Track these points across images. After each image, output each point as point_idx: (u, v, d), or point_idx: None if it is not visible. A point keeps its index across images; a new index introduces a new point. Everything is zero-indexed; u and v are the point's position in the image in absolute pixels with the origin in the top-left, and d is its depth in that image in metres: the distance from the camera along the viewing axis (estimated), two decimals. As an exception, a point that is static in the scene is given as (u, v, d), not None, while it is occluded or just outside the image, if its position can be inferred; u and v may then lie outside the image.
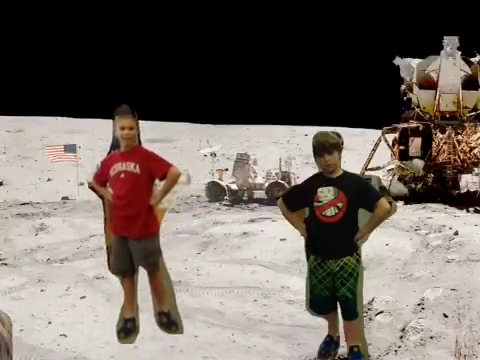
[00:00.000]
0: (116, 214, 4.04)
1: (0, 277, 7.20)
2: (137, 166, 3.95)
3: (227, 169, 21.51)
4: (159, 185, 4.05)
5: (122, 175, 3.97)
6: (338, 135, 4.06)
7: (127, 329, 4.08)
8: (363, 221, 4.05)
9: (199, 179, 21.95)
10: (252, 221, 11.78)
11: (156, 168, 3.96)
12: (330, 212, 3.97)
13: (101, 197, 4.32)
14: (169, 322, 4.12)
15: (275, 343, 4.69)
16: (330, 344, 4.25)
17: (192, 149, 35.83)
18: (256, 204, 17.72)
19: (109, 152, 4.42)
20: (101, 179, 4.14)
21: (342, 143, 4.07)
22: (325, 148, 3.97)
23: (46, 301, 6.00)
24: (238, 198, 19.01)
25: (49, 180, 27.23)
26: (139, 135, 4.13)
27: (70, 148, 22.69)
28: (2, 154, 35.84)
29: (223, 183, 19.19)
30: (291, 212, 4.21)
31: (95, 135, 36.91)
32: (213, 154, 22.83)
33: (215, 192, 18.84)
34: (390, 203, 4.07)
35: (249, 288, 6.37)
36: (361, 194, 3.99)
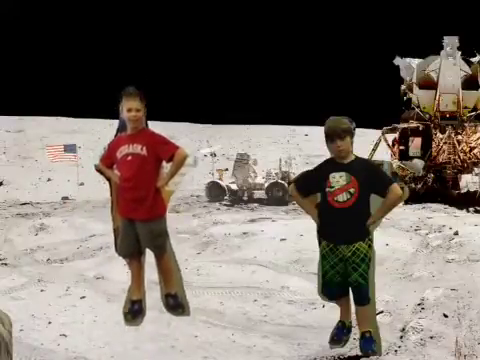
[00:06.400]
0: (123, 196, 4.01)
1: (0, 277, 7.20)
2: (144, 148, 3.92)
3: (227, 169, 21.41)
4: (166, 167, 4.01)
5: (129, 157, 3.94)
6: (350, 120, 4.06)
7: (135, 310, 4.05)
8: (375, 206, 4.04)
9: (199, 179, 21.90)
10: (252, 221, 11.78)
11: (163, 150, 3.93)
12: (342, 197, 3.97)
13: (108, 179, 4.29)
14: (176, 304, 4.08)
15: (275, 343, 4.69)
16: (342, 330, 4.24)
17: (192, 149, 35.77)
18: (256, 204, 17.65)
19: (116, 134, 4.39)
20: (108, 161, 4.11)
21: (354, 128, 4.07)
22: (337, 134, 3.97)
23: (46, 301, 6.00)
24: (238, 198, 18.94)
25: (49, 180, 27.16)
26: (146, 117, 4.09)
27: (70, 148, 22.62)
28: (2, 154, 35.75)
29: (223, 183, 19.12)
30: (303, 197, 4.21)
31: (95, 135, 36.82)
32: (213, 154, 22.74)
33: (215, 192, 18.78)
34: (402, 188, 4.07)
35: (249, 288, 6.36)
36: (373, 180, 4.00)
